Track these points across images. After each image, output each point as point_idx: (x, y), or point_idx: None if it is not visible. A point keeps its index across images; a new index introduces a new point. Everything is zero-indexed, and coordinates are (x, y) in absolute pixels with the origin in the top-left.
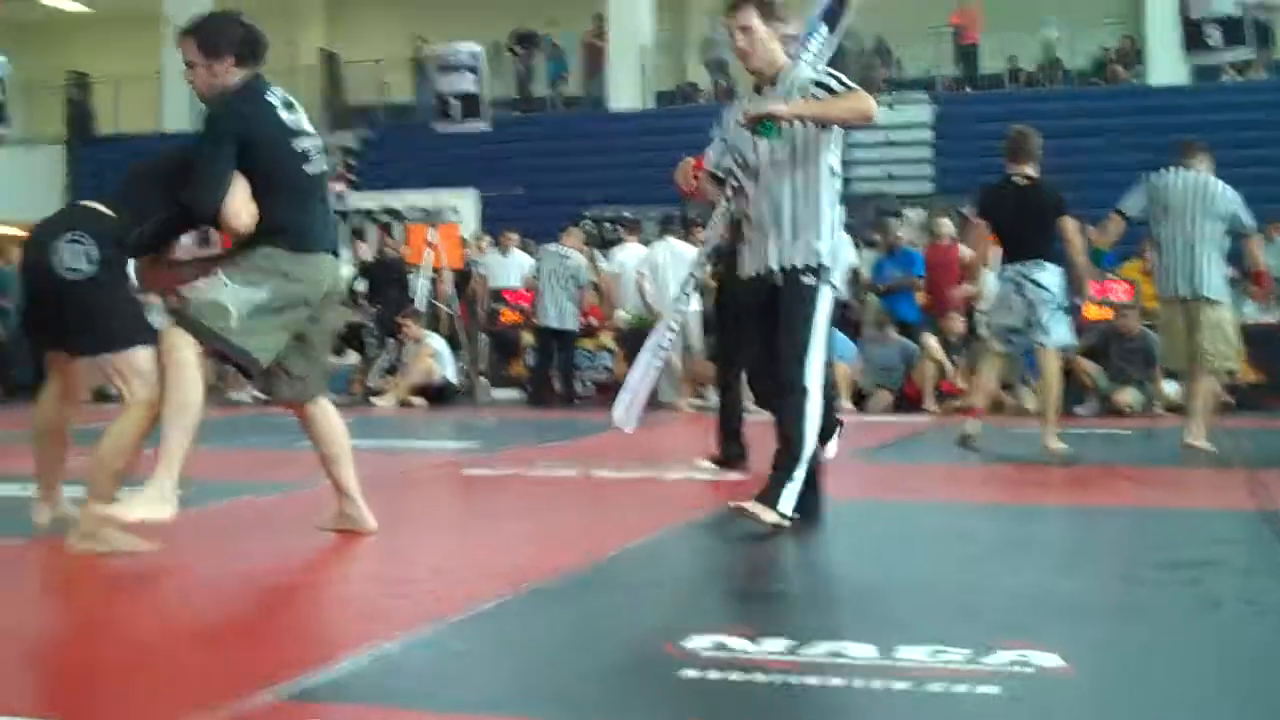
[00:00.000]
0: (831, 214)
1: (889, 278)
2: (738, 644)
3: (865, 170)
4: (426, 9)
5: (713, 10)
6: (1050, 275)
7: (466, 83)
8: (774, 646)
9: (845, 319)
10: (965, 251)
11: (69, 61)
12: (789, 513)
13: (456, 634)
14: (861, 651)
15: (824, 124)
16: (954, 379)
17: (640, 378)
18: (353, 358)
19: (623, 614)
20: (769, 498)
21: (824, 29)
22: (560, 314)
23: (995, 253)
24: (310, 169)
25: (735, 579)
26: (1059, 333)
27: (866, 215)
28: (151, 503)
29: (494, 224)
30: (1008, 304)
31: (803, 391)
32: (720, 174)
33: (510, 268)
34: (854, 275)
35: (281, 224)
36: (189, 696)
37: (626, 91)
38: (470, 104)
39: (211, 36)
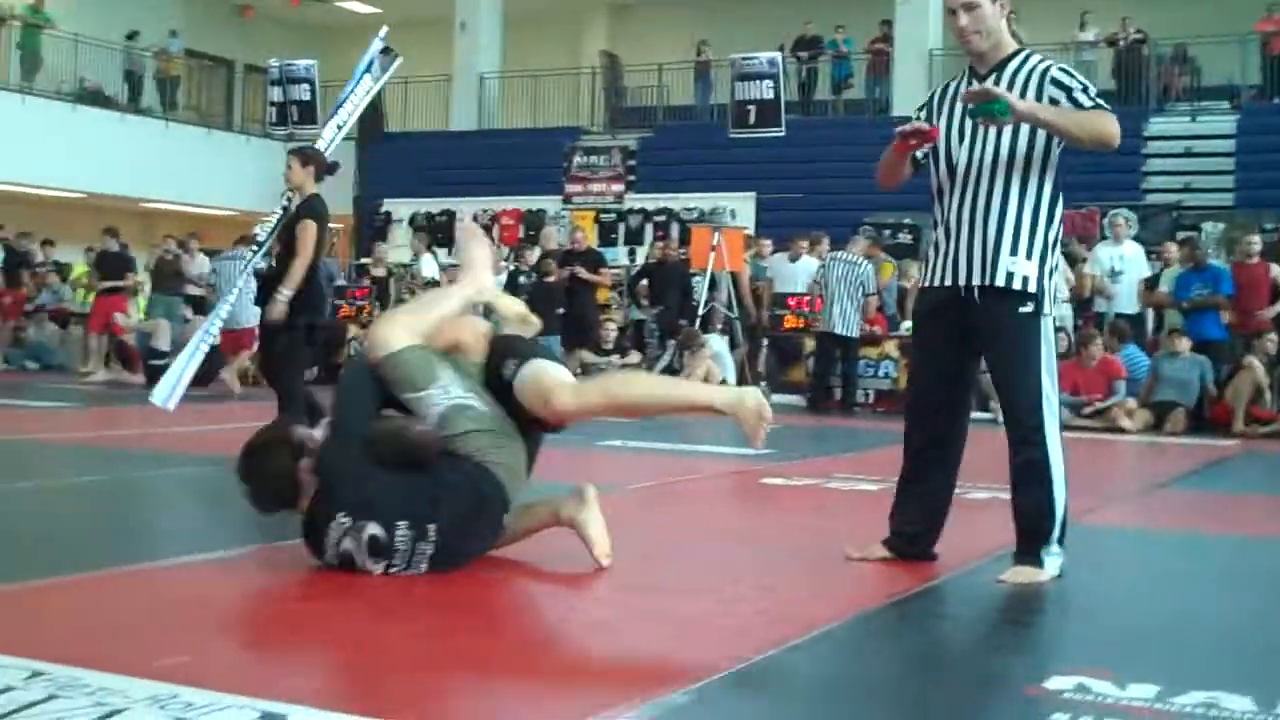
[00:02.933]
0: (1047, 233)
1: (1195, 294)
2: (1101, 687)
3: (1162, 180)
4: (710, 13)
5: None
6: None
7: (764, 89)
8: (1142, 692)
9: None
10: (1277, 270)
11: None
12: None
13: (801, 660)
14: (1238, 704)
15: (1053, 136)
16: (1269, 404)
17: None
18: (634, 357)
19: (973, 646)
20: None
21: (368, 79)
22: (846, 321)
23: None
24: None
25: (1086, 611)
26: None
27: (1162, 227)
28: None
29: (771, 228)
30: None
31: (1042, 428)
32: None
33: (798, 273)
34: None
35: None
36: (546, 713)
37: (911, 97)
38: (766, 110)
39: None
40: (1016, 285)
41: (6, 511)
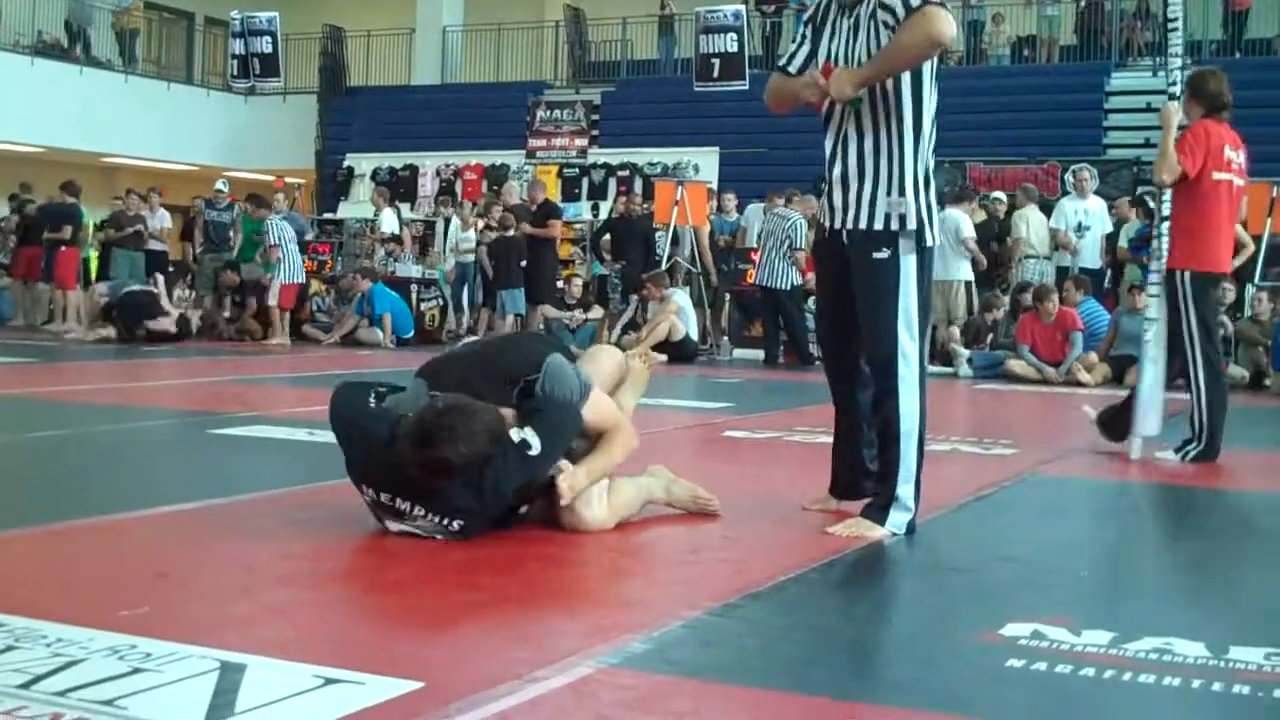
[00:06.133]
0: (916, 166)
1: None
2: (1057, 633)
3: (1123, 135)
4: None
5: None
6: None
7: (728, 43)
8: (1096, 639)
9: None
10: (1237, 228)
11: (326, 16)
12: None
13: (762, 607)
14: (1191, 650)
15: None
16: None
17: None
18: (597, 312)
19: (929, 594)
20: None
21: None
22: (773, 273)
23: None
24: None
25: (1043, 560)
26: None
27: (1122, 181)
28: None
29: (734, 183)
30: None
31: (894, 377)
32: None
33: None
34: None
35: None
36: (507, 661)
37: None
38: (730, 64)
39: None
40: (894, 225)
41: None
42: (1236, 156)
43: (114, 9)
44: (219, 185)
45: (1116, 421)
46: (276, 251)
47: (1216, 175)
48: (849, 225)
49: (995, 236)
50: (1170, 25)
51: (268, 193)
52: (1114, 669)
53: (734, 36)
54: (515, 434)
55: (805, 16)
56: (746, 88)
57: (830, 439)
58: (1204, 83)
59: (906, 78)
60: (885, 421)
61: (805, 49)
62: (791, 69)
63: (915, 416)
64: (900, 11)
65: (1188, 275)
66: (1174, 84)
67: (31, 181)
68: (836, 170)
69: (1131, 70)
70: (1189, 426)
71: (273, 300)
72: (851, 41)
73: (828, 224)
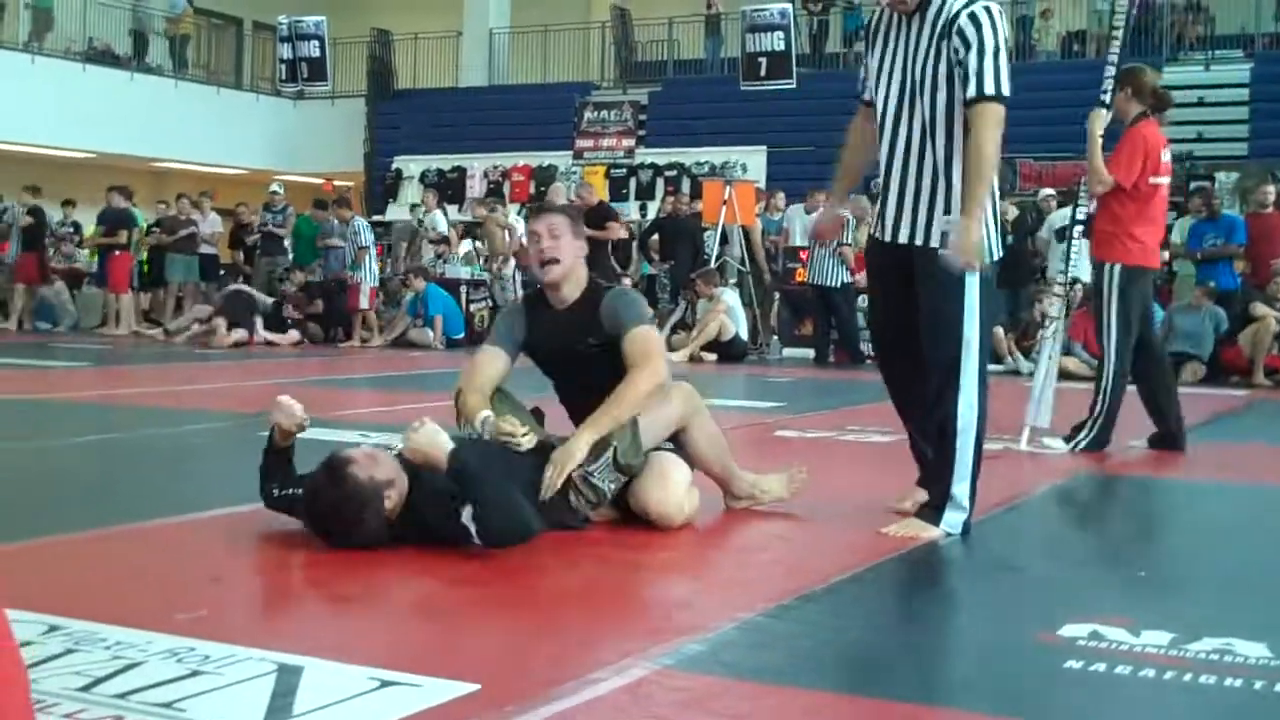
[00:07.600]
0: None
1: (1208, 244)
2: (1116, 634)
3: (1175, 130)
4: None
5: None
6: None
7: (775, 41)
8: (1156, 639)
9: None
10: None
11: (373, 20)
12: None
13: (815, 609)
14: (1252, 650)
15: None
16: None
17: None
18: None
19: (985, 595)
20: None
21: None
22: (823, 271)
23: None
24: None
25: (1100, 560)
26: None
27: (1176, 178)
28: None
29: (781, 182)
30: None
31: (956, 372)
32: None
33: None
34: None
35: None
36: (563, 663)
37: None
38: (777, 63)
39: None
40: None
41: (29, 468)
42: (1166, 157)
43: (166, 16)
44: (274, 188)
45: (1163, 437)
46: (365, 254)
47: (1154, 180)
48: (915, 242)
49: (1030, 231)
50: (1113, 33)
51: (347, 194)
52: (1174, 670)
53: (781, 35)
54: (465, 514)
55: (863, 33)
56: (794, 86)
57: (885, 439)
58: (1146, 80)
59: (958, 98)
60: (943, 418)
61: (869, 66)
62: (866, 96)
63: (974, 414)
64: (972, 63)
65: (1117, 269)
66: (1106, 91)
67: (84, 187)
68: (891, 182)
69: (1183, 64)
70: (1090, 412)
71: (364, 303)
72: (913, 55)
73: (882, 235)
